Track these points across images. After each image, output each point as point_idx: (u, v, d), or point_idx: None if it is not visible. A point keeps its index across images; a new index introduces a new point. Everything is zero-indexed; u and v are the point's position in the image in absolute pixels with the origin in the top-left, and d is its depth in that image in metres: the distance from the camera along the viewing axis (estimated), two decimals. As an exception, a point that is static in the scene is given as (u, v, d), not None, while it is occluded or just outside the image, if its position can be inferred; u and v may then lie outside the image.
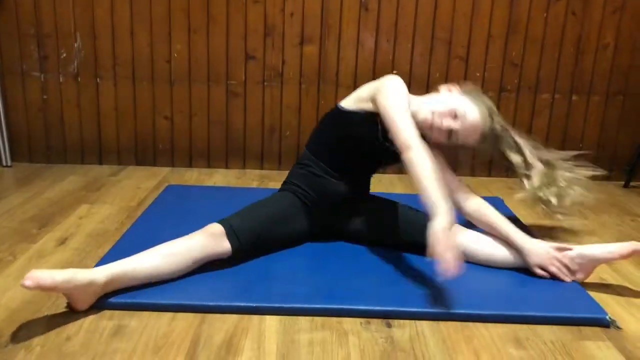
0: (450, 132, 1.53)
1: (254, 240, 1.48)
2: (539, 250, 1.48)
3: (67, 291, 1.22)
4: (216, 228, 1.44)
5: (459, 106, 1.54)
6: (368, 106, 1.58)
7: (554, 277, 1.47)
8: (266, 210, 1.57)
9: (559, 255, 1.47)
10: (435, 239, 1.27)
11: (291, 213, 1.61)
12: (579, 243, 1.81)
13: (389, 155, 1.57)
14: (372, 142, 1.59)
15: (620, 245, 1.47)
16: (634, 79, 2.52)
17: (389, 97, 1.51)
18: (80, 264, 1.50)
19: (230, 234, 1.43)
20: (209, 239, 1.41)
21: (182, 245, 1.39)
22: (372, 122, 1.57)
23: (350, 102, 1.64)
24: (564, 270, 1.47)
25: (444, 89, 1.61)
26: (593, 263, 1.48)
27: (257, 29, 2.42)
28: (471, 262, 1.51)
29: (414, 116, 1.51)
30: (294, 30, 2.42)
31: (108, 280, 1.27)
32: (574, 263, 1.47)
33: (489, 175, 2.60)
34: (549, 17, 2.43)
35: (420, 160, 1.41)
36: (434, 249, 1.27)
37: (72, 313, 1.25)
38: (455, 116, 1.52)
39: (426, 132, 1.53)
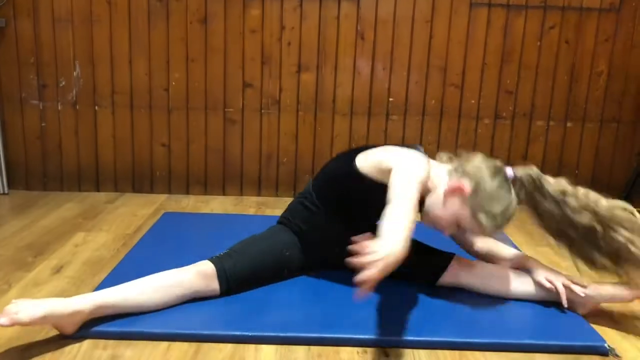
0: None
1: (244, 281, 1.46)
2: (546, 269, 1.49)
3: (50, 324, 1.22)
4: (208, 268, 1.41)
5: (461, 218, 1.38)
6: (387, 179, 1.34)
7: (558, 298, 1.44)
8: (260, 249, 1.52)
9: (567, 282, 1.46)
10: (377, 256, 1.08)
11: (286, 250, 1.56)
12: (575, 270, 1.81)
13: None
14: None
15: (623, 293, 1.44)
16: (627, 106, 2.55)
17: (406, 165, 1.32)
18: (76, 293, 1.48)
19: (222, 277, 1.41)
20: (199, 279, 1.39)
21: (171, 280, 1.37)
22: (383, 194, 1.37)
23: (369, 166, 1.43)
24: (572, 286, 1.44)
25: (452, 189, 1.39)
26: (595, 303, 1.46)
27: (254, 58, 2.45)
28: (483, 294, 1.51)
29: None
30: (291, 59, 2.45)
31: (94, 309, 1.26)
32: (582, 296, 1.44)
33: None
34: (542, 45, 2.47)
35: (394, 209, 1.21)
36: (369, 259, 1.08)
37: (66, 343, 1.24)
38: (458, 226, 1.42)
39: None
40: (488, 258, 1.58)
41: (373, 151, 1.46)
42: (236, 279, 1.44)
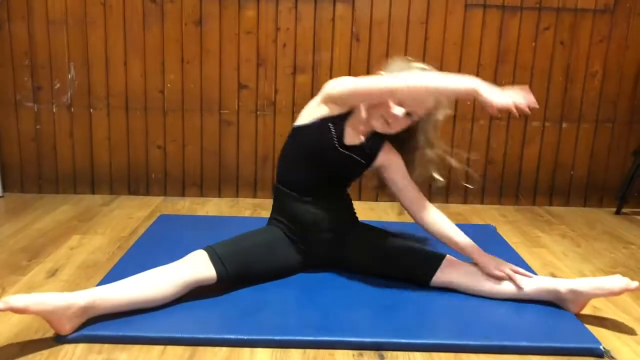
0: (407, 115, 1.52)
1: (240, 267, 1.47)
2: (490, 259, 1.53)
3: (44, 314, 1.21)
4: (200, 255, 1.44)
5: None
6: (320, 112, 1.56)
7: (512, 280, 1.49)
8: (252, 240, 1.56)
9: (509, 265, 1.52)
10: (499, 93, 1.38)
11: (279, 244, 1.60)
12: (572, 269, 1.82)
13: (351, 163, 1.59)
14: (329, 149, 1.56)
15: (611, 283, 1.44)
16: (622, 107, 2.55)
17: (344, 81, 1.52)
18: (70, 296, 1.49)
19: (215, 260, 1.43)
20: (194, 265, 1.41)
21: (166, 271, 1.38)
22: (325, 129, 1.55)
23: (303, 119, 1.60)
24: (518, 273, 1.50)
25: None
26: (585, 298, 1.46)
27: (249, 59, 2.44)
28: (470, 294, 1.52)
29: (364, 121, 1.56)
30: (286, 61, 2.45)
31: (89, 303, 1.26)
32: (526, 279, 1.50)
33: (482, 202, 2.60)
34: (537, 46, 2.47)
35: (414, 78, 1.46)
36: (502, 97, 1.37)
37: (60, 347, 1.23)
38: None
39: (385, 129, 1.55)
40: (438, 236, 1.60)
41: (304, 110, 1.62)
42: (230, 261, 1.45)
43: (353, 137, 1.58)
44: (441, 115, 1.60)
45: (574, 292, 1.44)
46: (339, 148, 1.56)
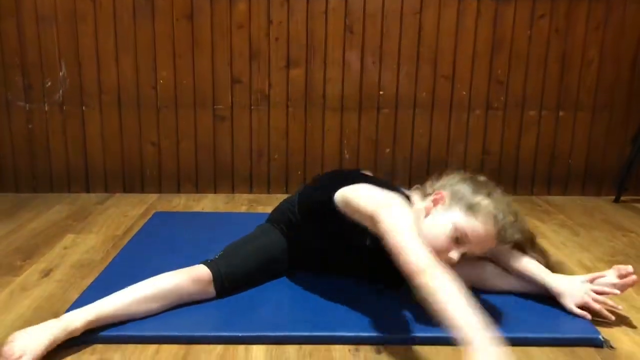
0: (463, 256, 1.32)
1: (239, 283, 1.45)
2: (574, 291, 1.38)
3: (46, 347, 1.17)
4: (203, 272, 1.38)
5: (457, 227, 1.30)
6: (365, 222, 1.29)
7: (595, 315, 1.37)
8: (252, 249, 1.50)
9: (596, 288, 1.38)
10: None
11: (277, 248, 1.54)
12: (572, 259, 1.80)
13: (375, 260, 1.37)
14: (358, 245, 1.40)
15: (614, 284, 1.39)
16: (619, 94, 2.53)
17: (394, 217, 1.20)
18: (64, 296, 1.47)
19: (218, 280, 1.40)
20: (195, 284, 1.37)
21: (164, 289, 1.33)
22: (362, 229, 1.32)
23: (345, 206, 1.34)
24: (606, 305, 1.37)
25: (433, 201, 1.37)
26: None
27: (242, 53, 2.42)
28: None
29: None
30: (279, 54, 2.43)
31: (85, 325, 1.23)
32: (612, 287, 1.39)
33: (479, 193, 2.58)
34: (532, 34, 2.45)
35: (439, 284, 1.08)
36: None
37: (53, 349, 1.21)
38: (457, 242, 1.31)
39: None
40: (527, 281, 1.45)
41: (353, 189, 1.34)
42: (231, 282, 1.42)
43: None
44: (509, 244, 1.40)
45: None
46: (368, 246, 1.37)
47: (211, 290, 1.40)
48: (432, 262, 1.11)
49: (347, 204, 1.33)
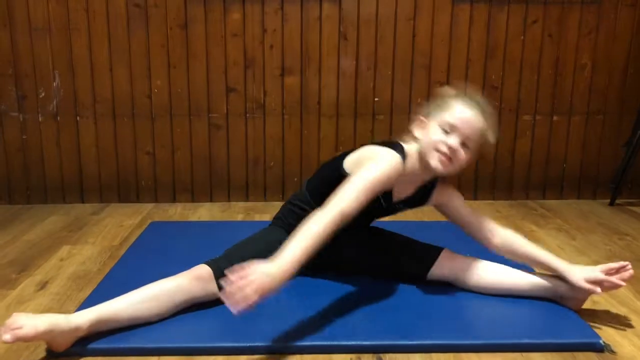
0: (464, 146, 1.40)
1: None
2: (582, 268, 1.42)
3: (49, 339, 1.19)
4: (204, 270, 1.39)
5: (440, 124, 1.41)
6: None
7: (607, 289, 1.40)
8: (254, 248, 1.50)
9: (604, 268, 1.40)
10: (252, 275, 1.15)
11: (280, 246, 1.55)
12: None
13: (397, 211, 1.55)
14: (374, 205, 1.44)
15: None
16: (612, 98, 2.55)
17: (367, 167, 1.37)
18: (61, 309, 1.46)
19: (218, 275, 1.38)
20: (196, 283, 1.37)
21: (166, 288, 1.34)
22: None
23: (352, 167, 1.46)
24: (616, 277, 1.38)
25: (415, 128, 1.49)
26: (583, 294, 1.42)
27: (237, 62, 2.42)
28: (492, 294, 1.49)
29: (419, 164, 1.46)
30: (274, 62, 2.43)
31: (90, 325, 1.23)
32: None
33: (475, 198, 2.59)
34: (525, 40, 2.47)
35: (317, 217, 1.29)
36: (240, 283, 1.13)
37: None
38: (447, 132, 1.40)
39: (447, 167, 1.41)
40: (508, 252, 1.51)
41: (356, 152, 1.49)
42: None
43: (402, 192, 1.51)
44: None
45: (578, 290, 1.41)
46: (384, 204, 1.49)
47: (213, 287, 1.38)
48: (334, 208, 1.30)
49: (356, 164, 1.45)
